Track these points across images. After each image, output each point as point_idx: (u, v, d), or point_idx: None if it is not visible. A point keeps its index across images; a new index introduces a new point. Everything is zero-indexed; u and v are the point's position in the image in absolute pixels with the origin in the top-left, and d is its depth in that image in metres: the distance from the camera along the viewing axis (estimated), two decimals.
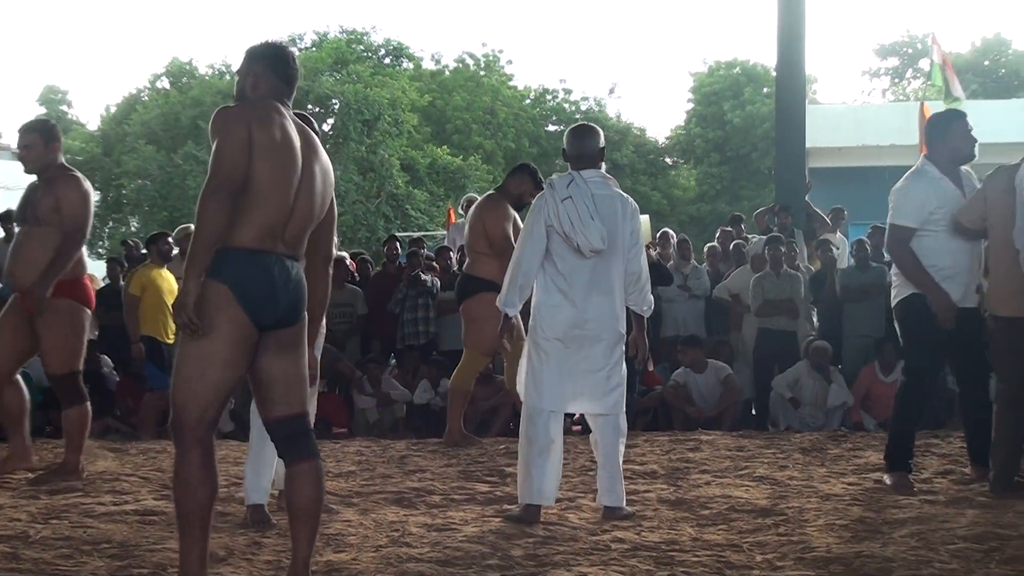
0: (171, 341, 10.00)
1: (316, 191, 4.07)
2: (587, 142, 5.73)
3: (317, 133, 4.40)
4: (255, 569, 4.56)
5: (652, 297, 5.79)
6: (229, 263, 3.82)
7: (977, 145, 6.33)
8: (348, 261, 11.80)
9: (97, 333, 11.48)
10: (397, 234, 16.94)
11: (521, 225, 6.71)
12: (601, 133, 5.82)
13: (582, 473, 6.89)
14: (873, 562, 4.45)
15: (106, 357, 11.14)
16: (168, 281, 10.33)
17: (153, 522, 5.52)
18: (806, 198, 12.53)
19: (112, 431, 10.21)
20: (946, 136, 6.24)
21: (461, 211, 13.97)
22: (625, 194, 5.75)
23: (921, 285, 6.10)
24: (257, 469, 5.50)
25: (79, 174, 6.80)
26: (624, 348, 5.71)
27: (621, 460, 5.67)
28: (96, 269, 14.18)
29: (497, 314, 5.79)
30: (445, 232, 15.92)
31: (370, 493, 6.30)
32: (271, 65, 4.17)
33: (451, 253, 11.98)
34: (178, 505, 3.90)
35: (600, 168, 5.73)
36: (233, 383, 3.93)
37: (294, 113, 4.20)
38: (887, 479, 6.25)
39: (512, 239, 7.54)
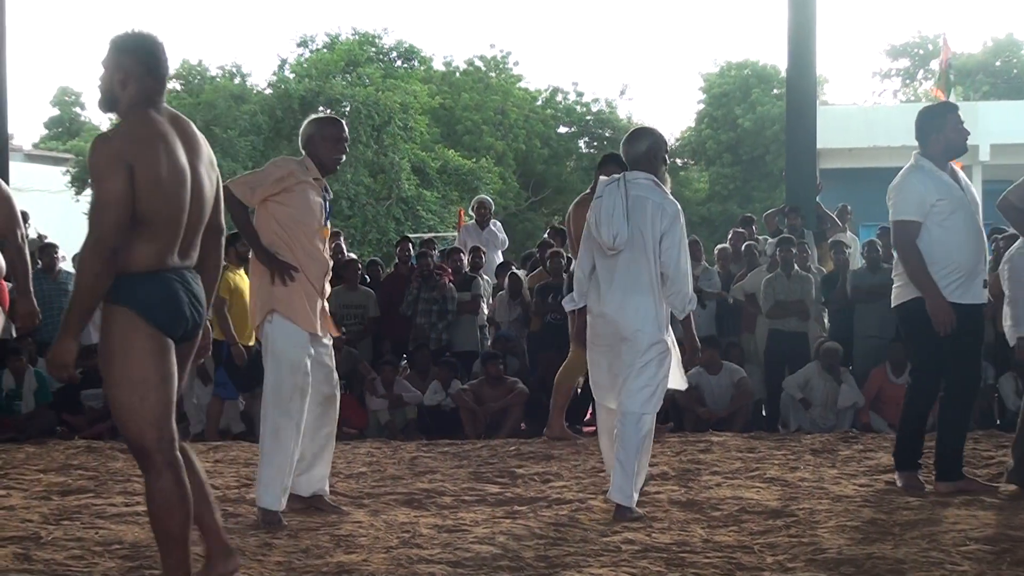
0: (252, 344, 9.93)
1: (206, 194, 3.90)
2: (633, 145, 5.85)
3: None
4: (265, 570, 4.57)
5: (689, 300, 5.71)
6: (128, 287, 3.69)
7: (968, 139, 6.27)
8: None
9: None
10: (410, 236, 16.96)
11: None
12: (653, 136, 5.87)
13: (593, 474, 6.88)
14: (884, 564, 4.44)
15: None
16: (247, 283, 10.17)
17: None
18: (817, 199, 12.52)
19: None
20: (941, 129, 6.13)
21: (471, 213, 13.98)
22: (665, 199, 5.72)
23: (922, 287, 5.96)
24: (272, 472, 5.51)
25: None
26: (669, 349, 5.72)
27: (637, 461, 5.60)
28: None
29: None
30: (456, 234, 15.93)
31: (381, 494, 6.31)
32: (143, 60, 3.83)
33: (461, 255, 11.98)
34: (159, 528, 3.77)
35: (654, 171, 5.79)
36: (174, 394, 3.81)
37: (169, 111, 3.91)
38: (898, 480, 6.26)
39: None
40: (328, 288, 5.81)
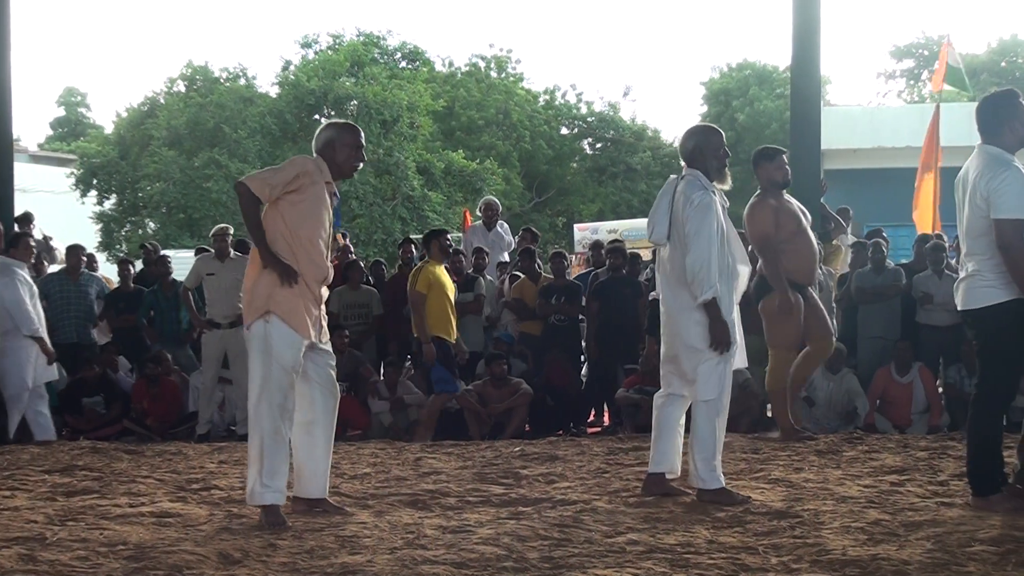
0: (454, 340, 9.90)
1: None
2: (683, 144, 6.12)
3: None
4: (270, 571, 4.57)
5: (707, 288, 5.82)
6: None
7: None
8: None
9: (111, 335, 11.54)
10: (413, 236, 16.96)
11: (791, 215, 8.06)
12: (701, 135, 6.09)
13: (597, 475, 6.88)
14: (889, 565, 4.43)
15: (123, 359, 11.19)
16: (449, 279, 10.11)
17: (169, 524, 5.53)
18: (821, 200, 12.50)
19: (128, 433, 10.26)
20: (1017, 115, 5.61)
21: (479, 213, 13.99)
22: (696, 191, 5.89)
23: None
24: (270, 470, 5.52)
25: None
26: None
27: (702, 445, 5.88)
28: (110, 272, 14.26)
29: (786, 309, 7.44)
30: (461, 235, 15.93)
31: (385, 495, 6.31)
32: None
33: (462, 256, 11.98)
34: None
35: (702, 168, 6.01)
36: None
37: None
38: (985, 505, 5.54)
39: (770, 237, 8.21)
40: (325, 294, 5.80)
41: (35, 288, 9.74)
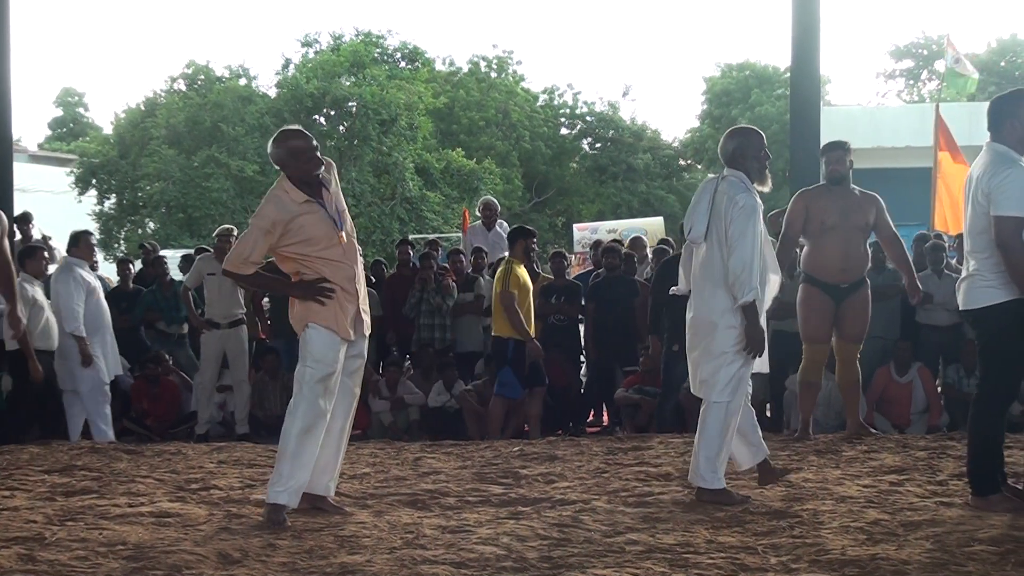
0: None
1: None
2: (724, 145, 6.15)
3: None
4: (269, 571, 4.57)
5: (748, 290, 5.84)
6: None
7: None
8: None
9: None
10: (411, 236, 16.96)
11: (825, 211, 8.21)
12: (742, 136, 6.13)
13: (596, 475, 6.88)
14: (888, 565, 4.44)
15: (122, 358, 11.18)
16: (529, 279, 9.93)
17: (168, 524, 5.53)
18: None
19: (127, 433, 10.25)
20: (1015, 115, 5.57)
21: (478, 213, 13.98)
22: (740, 193, 5.91)
23: None
24: (290, 470, 5.53)
25: None
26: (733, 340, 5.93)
27: (708, 444, 5.93)
28: (110, 271, 14.25)
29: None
30: (461, 235, 15.93)
31: (384, 495, 6.30)
32: None
33: (461, 256, 11.99)
34: None
35: (743, 169, 6.04)
36: None
37: None
38: (984, 505, 5.53)
39: (789, 232, 8.33)
40: (362, 290, 5.78)
41: (95, 285, 9.73)
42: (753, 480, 6.58)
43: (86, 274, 9.57)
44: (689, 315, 6.14)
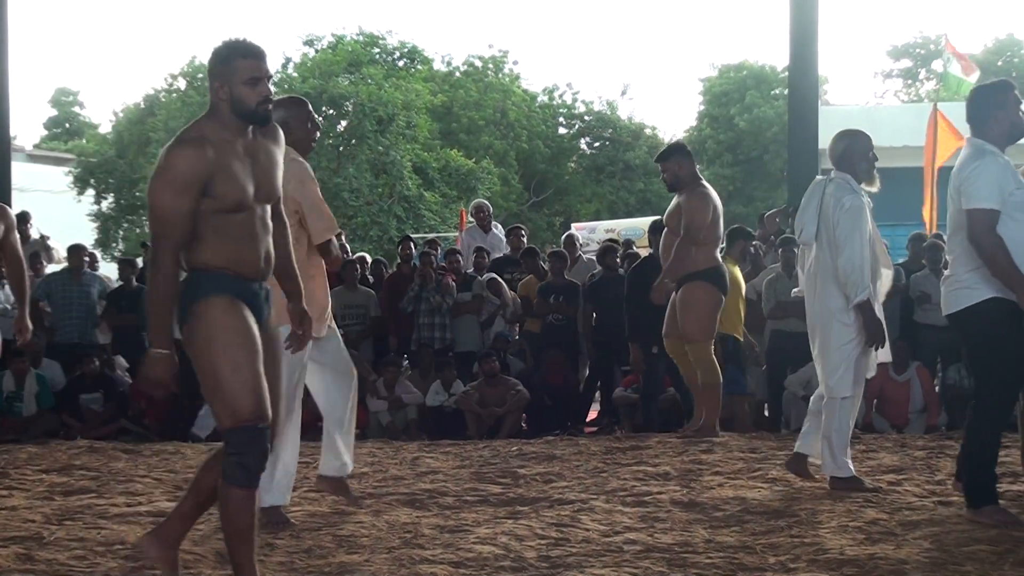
0: (742, 338, 9.78)
1: None
2: (832, 147, 6.28)
3: None
4: (267, 570, 4.56)
5: (861, 289, 6.00)
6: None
7: None
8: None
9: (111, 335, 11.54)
10: (412, 236, 16.94)
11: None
12: (849, 138, 6.27)
13: (595, 475, 6.88)
14: (887, 564, 4.44)
15: (120, 358, 11.18)
16: (742, 278, 9.98)
17: None
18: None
19: (126, 432, 10.25)
20: (1004, 107, 5.40)
21: (470, 217, 13.99)
22: (847, 194, 6.06)
23: (1012, 281, 5.13)
24: (282, 468, 5.52)
25: None
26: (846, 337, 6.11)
27: (837, 437, 6.16)
28: (110, 271, 14.24)
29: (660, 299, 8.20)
30: (458, 234, 15.93)
31: (382, 495, 6.30)
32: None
33: (459, 255, 11.98)
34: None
35: (850, 171, 6.18)
36: None
37: None
38: (980, 517, 5.26)
39: (701, 227, 8.28)
40: (313, 288, 5.55)
41: None
42: (750, 479, 6.59)
43: None
44: (808, 315, 6.39)
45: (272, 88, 4.01)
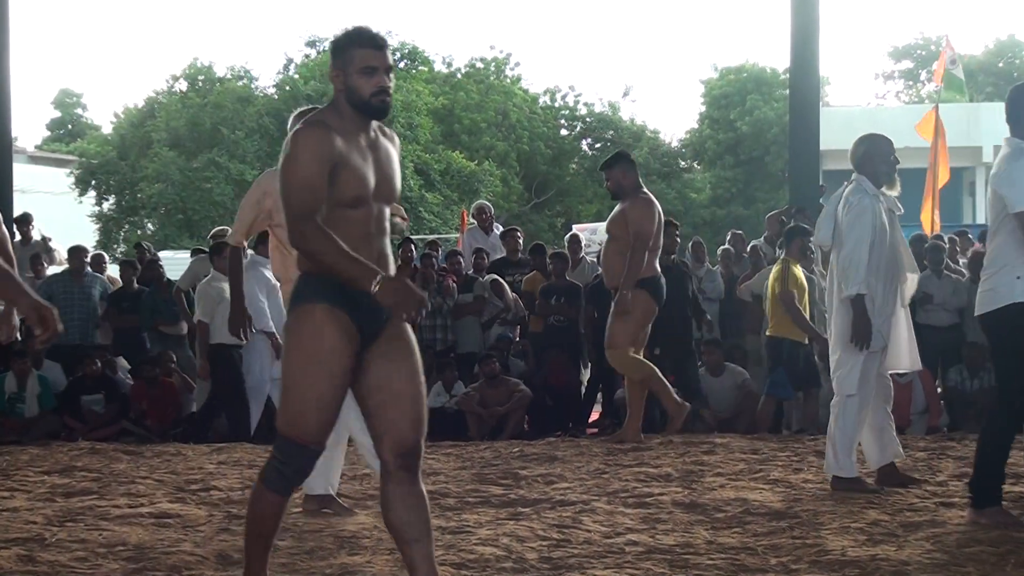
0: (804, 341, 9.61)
1: None
2: (853, 151, 6.40)
3: None
4: (269, 572, 4.55)
5: (852, 284, 6.07)
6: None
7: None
8: None
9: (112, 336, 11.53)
10: (413, 237, 16.92)
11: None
12: (868, 142, 6.38)
13: (596, 476, 6.88)
14: (888, 565, 4.44)
15: (122, 360, 11.18)
16: (804, 277, 9.75)
17: (168, 525, 5.53)
18: (820, 201, 12.50)
19: (127, 434, 10.25)
20: None
21: (471, 219, 13.98)
22: (855, 195, 6.21)
23: None
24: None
25: None
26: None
27: (841, 436, 6.19)
28: (111, 271, 14.23)
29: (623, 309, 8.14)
30: (460, 236, 15.91)
31: None
32: None
33: (459, 257, 11.98)
34: None
35: (868, 174, 6.29)
36: None
37: None
38: (981, 518, 5.28)
39: (648, 236, 8.27)
40: None
41: (274, 284, 9.75)
42: (752, 480, 6.59)
43: (268, 273, 9.56)
44: (828, 314, 6.53)
45: (391, 81, 3.84)
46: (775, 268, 9.60)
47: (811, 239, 6.66)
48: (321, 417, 3.73)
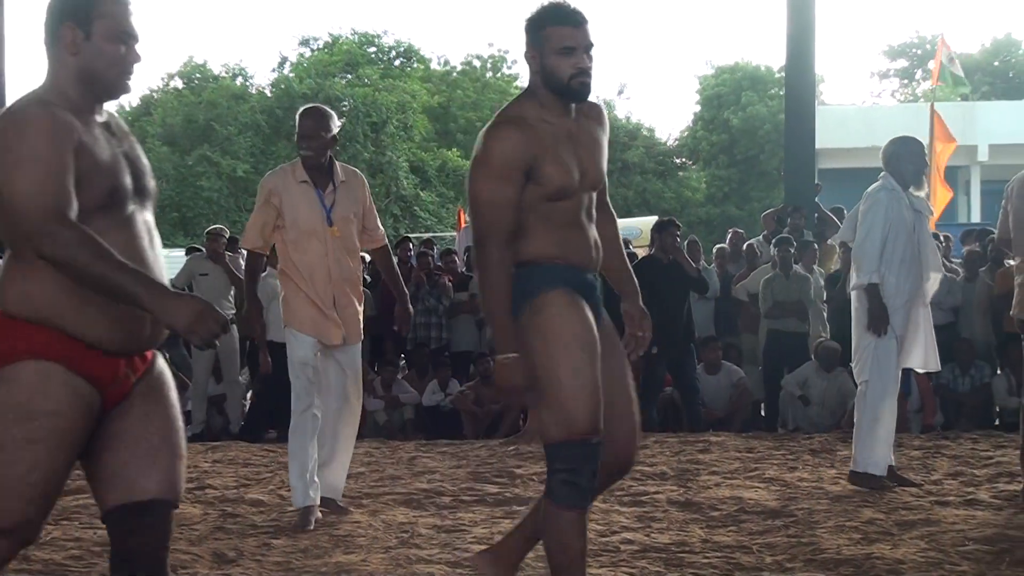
0: None
1: None
2: (884, 149, 6.48)
3: None
4: (264, 570, 4.56)
5: (863, 274, 6.27)
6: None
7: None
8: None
9: None
10: (410, 236, 16.93)
11: None
12: (895, 144, 6.46)
13: None
14: (883, 564, 4.44)
15: None
16: None
17: None
18: (815, 199, 12.52)
19: None
20: None
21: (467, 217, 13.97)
22: (872, 191, 6.37)
23: None
24: (296, 470, 5.48)
25: None
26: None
27: (857, 426, 6.34)
28: None
29: None
30: (455, 234, 15.91)
31: (379, 494, 6.31)
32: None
33: (455, 256, 11.97)
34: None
35: (894, 173, 6.37)
36: None
37: None
38: None
39: None
40: (345, 295, 5.62)
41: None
42: (747, 478, 6.59)
43: None
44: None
45: (590, 61, 3.52)
46: None
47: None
48: (594, 401, 3.39)
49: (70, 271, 2.63)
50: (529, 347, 3.42)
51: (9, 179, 2.64)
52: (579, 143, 3.54)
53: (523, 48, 3.56)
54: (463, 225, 15.12)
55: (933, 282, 6.46)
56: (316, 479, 5.53)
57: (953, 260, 11.28)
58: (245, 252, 6.10)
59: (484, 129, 3.52)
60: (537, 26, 3.49)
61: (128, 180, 2.83)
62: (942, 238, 11.68)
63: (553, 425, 3.38)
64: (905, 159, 6.37)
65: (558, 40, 3.45)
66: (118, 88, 2.88)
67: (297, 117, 5.70)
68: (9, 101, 12.76)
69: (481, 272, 3.46)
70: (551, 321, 3.41)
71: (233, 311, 10.52)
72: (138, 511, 2.76)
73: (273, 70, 34.76)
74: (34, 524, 2.81)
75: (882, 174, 6.43)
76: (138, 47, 2.87)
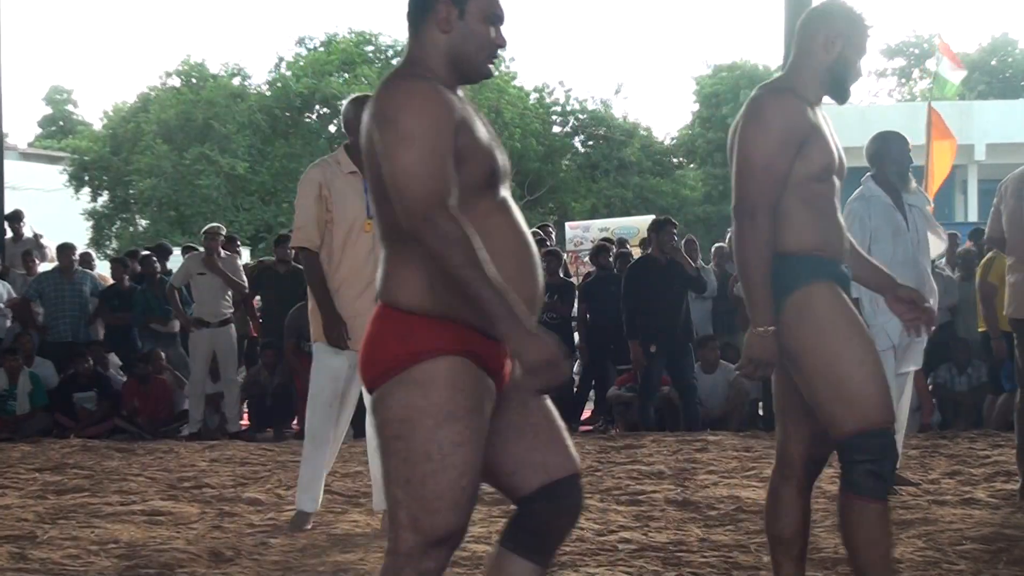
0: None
1: None
2: (867, 147, 6.35)
3: None
4: (262, 569, 4.56)
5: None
6: None
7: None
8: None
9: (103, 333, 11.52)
10: None
11: None
12: (879, 141, 6.32)
13: (589, 474, 6.88)
14: None
15: (113, 356, 11.16)
16: None
17: (160, 522, 5.52)
18: None
19: (119, 431, 10.24)
20: None
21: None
22: (862, 190, 6.25)
23: None
24: (311, 474, 5.44)
25: None
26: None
27: None
28: (103, 269, 14.23)
29: None
30: None
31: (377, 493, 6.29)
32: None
33: None
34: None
35: (879, 169, 6.26)
36: None
37: None
38: None
39: None
40: (366, 304, 5.20)
41: None
42: (744, 477, 6.59)
43: None
44: None
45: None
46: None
47: None
48: (885, 389, 3.32)
49: (439, 264, 2.52)
50: (802, 344, 3.31)
51: (392, 154, 2.53)
52: (831, 130, 3.52)
53: (821, 35, 3.59)
54: None
55: (936, 247, 6.35)
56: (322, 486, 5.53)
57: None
58: (292, 252, 5.73)
59: (752, 97, 3.44)
60: (851, 20, 3.55)
61: (505, 161, 2.73)
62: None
63: (849, 419, 3.27)
64: (888, 160, 6.21)
65: (866, 38, 3.52)
66: (481, 72, 2.79)
67: (344, 105, 5.47)
68: (5, 99, 12.58)
69: (745, 243, 3.31)
70: (822, 314, 3.31)
71: (231, 311, 10.52)
72: (560, 489, 2.89)
73: (270, 71, 34.75)
74: (464, 530, 2.85)
75: (865, 176, 6.31)
76: (503, 29, 2.83)
